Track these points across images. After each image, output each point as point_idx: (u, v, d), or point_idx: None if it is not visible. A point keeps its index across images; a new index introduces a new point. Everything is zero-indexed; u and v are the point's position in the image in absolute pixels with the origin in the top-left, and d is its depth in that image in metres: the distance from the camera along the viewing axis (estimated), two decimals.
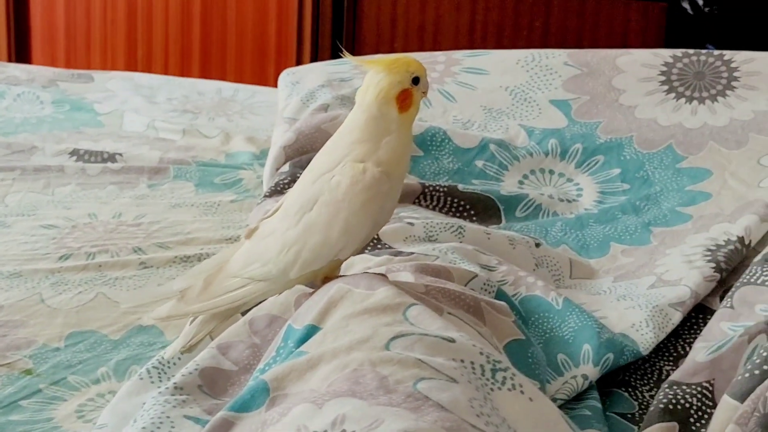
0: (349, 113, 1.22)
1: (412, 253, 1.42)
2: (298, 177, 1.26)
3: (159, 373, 1.30)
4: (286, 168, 1.72)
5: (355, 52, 3.06)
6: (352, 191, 1.17)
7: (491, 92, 1.92)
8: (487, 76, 1.94)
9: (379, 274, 1.22)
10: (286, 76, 2.02)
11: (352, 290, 1.14)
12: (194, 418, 1.18)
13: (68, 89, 2.32)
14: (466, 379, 1.02)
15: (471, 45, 3.03)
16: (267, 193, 1.67)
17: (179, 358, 1.31)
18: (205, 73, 3.17)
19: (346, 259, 1.23)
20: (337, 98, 1.87)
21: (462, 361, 1.05)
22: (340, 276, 1.22)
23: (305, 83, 1.95)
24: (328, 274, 1.22)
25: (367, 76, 1.20)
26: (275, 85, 2.13)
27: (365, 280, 1.16)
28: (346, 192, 1.17)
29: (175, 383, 1.22)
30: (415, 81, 1.19)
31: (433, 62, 1.97)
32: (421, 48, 3.02)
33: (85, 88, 2.33)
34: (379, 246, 1.48)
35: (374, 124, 1.18)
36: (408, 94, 1.18)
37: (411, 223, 1.53)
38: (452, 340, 1.07)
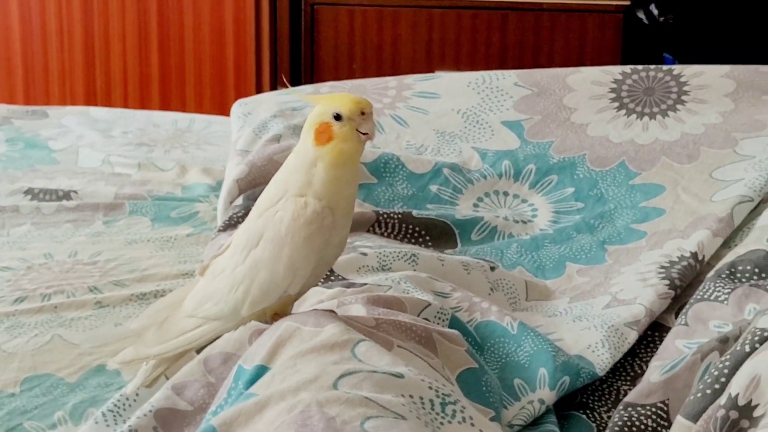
0: None
1: (365, 284, 1.42)
2: None
3: (114, 416, 1.29)
4: (239, 201, 1.72)
5: (314, 76, 3.06)
6: (294, 226, 1.17)
7: (443, 116, 1.92)
8: (438, 100, 1.94)
9: (328, 310, 1.22)
10: (238, 107, 2.01)
11: (300, 328, 1.14)
12: None
13: (23, 126, 2.30)
14: (414, 415, 1.02)
15: (429, 63, 3.03)
16: (221, 227, 1.67)
17: (135, 400, 1.30)
18: (165, 103, 3.16)
19: (298, 296, 1.23)
20: (290, 128, 1.87)
21: (411, 396, 1.05)
22: (290, 313, 1.22)
23: (257, 114, 1.94)
24: (279, 310, 1.22)
25: None
26: None
27: (313, 317, 1.15)
28: (289, 227, 1.17)
29: (129, 426, 1.22)
30: (337, 117, 1.17)
31: (385, 87, 1.97)
32: (380, 68, 3.03)
33: (40, 125, 2.31)
34: (332, 278, 1.47)
35: (300, 155, 1.20)
36: (326, 128, 1.17)
37: (364, 253, 1.53)
38: (401, 376, 1.06)
